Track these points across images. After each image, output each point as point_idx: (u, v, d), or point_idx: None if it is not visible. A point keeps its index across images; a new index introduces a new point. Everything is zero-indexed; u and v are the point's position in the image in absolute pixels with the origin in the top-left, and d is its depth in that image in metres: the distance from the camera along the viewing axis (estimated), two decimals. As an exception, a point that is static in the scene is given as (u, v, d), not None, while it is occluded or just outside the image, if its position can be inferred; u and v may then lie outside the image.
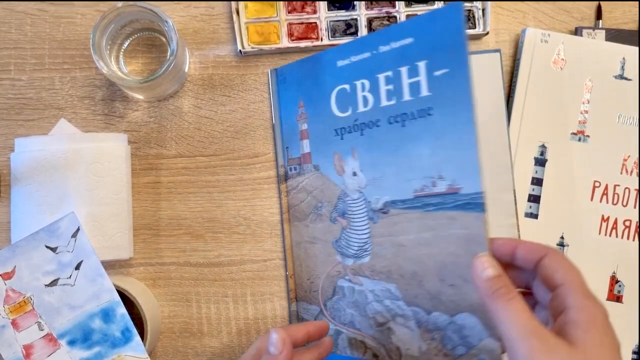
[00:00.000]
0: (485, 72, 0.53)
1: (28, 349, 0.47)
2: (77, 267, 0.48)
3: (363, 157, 0.47)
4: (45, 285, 0.48)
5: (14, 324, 0.47)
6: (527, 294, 0.38)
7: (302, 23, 0.56)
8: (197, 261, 0.55)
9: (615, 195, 0.54)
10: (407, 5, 0.56)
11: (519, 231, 0.52)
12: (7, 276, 0.47)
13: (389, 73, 0.44)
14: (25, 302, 0.47)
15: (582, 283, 0.34)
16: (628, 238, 0.54)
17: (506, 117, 0.53)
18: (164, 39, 0.54)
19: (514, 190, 0.52)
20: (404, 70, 0.43)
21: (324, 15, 0.56)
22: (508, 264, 0.37)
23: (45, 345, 0.47)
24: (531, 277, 0.38)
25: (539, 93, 0.54)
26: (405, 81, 0.43)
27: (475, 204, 0.39)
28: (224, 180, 0.55)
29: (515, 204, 0.52)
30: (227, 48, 0.56)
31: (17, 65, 0.55)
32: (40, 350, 0.47)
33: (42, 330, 0.47)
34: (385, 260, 0.46)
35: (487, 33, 0.56)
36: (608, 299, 0.53)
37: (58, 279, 0.48)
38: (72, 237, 0.48)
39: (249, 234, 0.55)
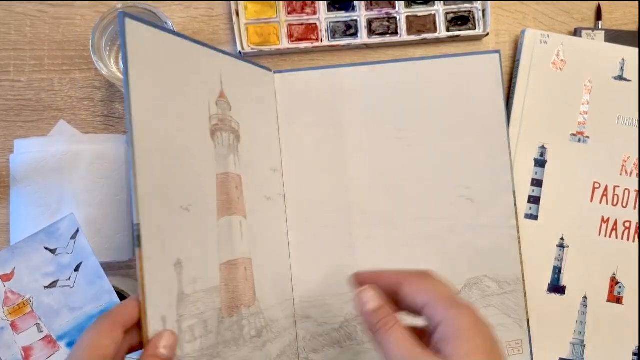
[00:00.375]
0: (484, 73, 0.53)
1: (27, 350, 0.47)
2: (77, 269, 0.48)
3: None
4: (45, 287, 0.48)
5: (13, 325, 0.47)
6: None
7: (302, 24, 0.56)
8: (197, 263, 0.55)
9: (615, 197, 0.54)
10: (407, 6, 0.56)
11: (518, 233, 0.52)
12: (7, 278, 0.47)
13: None
14: (24, 303, 0.47)
15: (442, 295, 0.34)
16: (628, 239, 0.54)
17: (506, 118, 0.53)
18: (163, 40, 0.54)
19: (514, 192, 0.52)
20: None
21: (323, 16, 0.56)
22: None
23: (44, 347, 0.47)
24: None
25: (538, 94, 0.54)
26: None
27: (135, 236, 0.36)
28: (223, 181, 0.55)
29: (515, 205, 0.52)
30: (227, 49, 0.56)
31: (17, 66, 0.55)
32: (39, 352, 0.47)
33: (42, 332, 0.47)
34: None
35: (488, 34, 0.56)
36: (608, 301, 0.52)
37: (57, 281, 0.48)
38: (71, 238, 0.48)
39: (249, 235, 0.55)
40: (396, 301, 0.36)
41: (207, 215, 0.42)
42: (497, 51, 0.53)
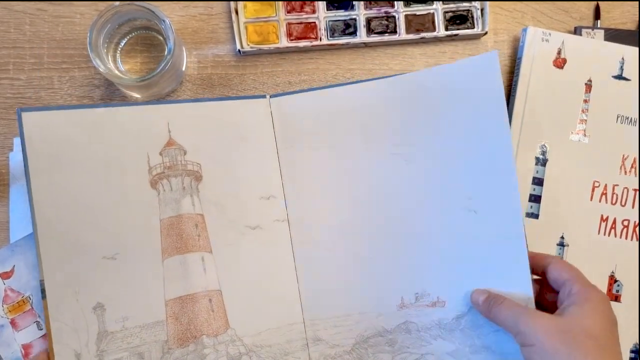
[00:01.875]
0: (482, 75, 0.49)
1: (27, 348, 0.47)
2: (76, 267, 0.48)
3: None
4: (44, 284, 0.48)
5: (13, 323, 0.47)
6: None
7: (301, 23, 0.56)
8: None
9: (615, 195, 0.54)
10: (406, 5, 0.56)
11: (526, 239, 0.48)
12: (6, 275, 0.47)
13: None
14: (24, 301, 0.48)
15: (582, 277, 0.43)
16: (627, 238, 0.54)
17: (508, 122, 0.50)
18: (161, 38, 0.54)
19: (519, 199, 0.49)
20: None
21: (322, 15, 0.56)
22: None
23: (44, 344, 0.47)
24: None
25: (539, 92, 0.54)
26: None
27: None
28: (222, 179, 0.55)
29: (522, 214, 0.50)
30: (226, 48, 0.56)
31: (16, 64, 0.55)
32: (39, 349, 0.47)
33: (41, 329, 0.47)
34: None
35: (486, 33, 0.56)
36: (607, 299, 0.53)
37: (57, 279, 0.48)
38: (70, 236, 0.48)
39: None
40: (542, 276, 0.46)
41: (142, 260, 0.47)
42: (495, 52, 0.51)
